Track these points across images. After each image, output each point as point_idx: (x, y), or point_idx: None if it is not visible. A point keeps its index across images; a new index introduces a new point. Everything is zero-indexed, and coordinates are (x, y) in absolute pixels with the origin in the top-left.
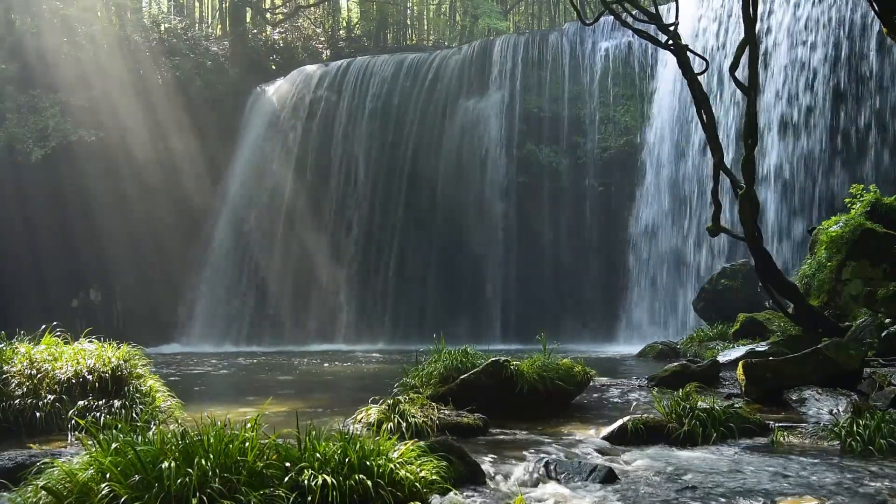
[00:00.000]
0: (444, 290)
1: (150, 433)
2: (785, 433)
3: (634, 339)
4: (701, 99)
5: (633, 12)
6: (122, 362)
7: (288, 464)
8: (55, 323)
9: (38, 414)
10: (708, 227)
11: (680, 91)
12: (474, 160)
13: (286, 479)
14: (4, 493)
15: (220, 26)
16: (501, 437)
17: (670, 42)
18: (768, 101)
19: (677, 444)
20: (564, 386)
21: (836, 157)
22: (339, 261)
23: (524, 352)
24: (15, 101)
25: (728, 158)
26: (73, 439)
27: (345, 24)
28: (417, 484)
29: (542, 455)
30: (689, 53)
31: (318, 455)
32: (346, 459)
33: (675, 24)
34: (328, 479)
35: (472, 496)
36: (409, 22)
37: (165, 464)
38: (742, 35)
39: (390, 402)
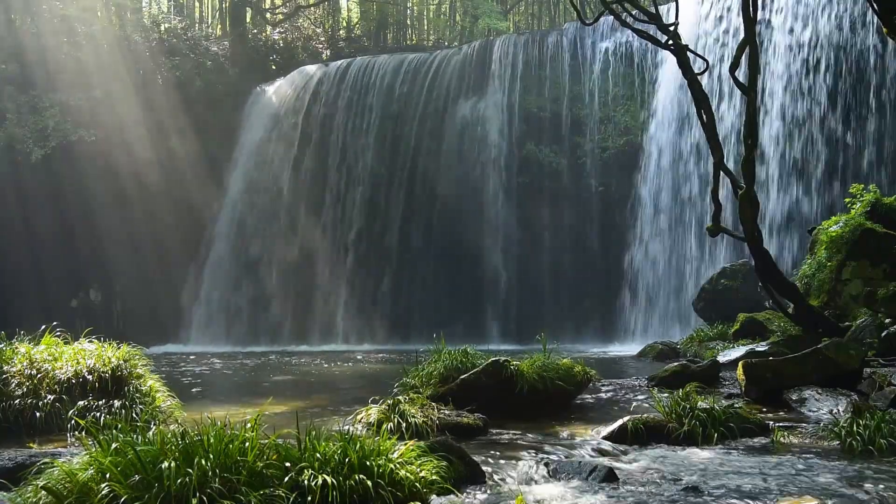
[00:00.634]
0: (444, 290)
1: (150, 433)
2: (785, 433)
3: (634, 340)
4: (701, 99)
5: (633, 12)
6: (122, 362)
7: (288, 464)
8: (55, 323)
9: (38, 414)
10: (708, 227)
11: (680, 91)
12: (474, 160)
13: (286, 479)
14: (4, 493)
15: (220, 26)
16: (501, 437)
17: (670, 42)
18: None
19: (677, 444)
20: (564, 386)
21: (836, 157)
22: (339, 261)
23: (524, 352)
24: (15, 101)
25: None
26: (73, 439)
27: (345, 24)
28: (417, 484)
29: (542, 455)
30: (689, 53)
31: (318, 455)
32: (346, 459)
33: (675, 24)
34: (328, 479)
35: (472, 496)
36: (409, 22)
37: (165, 464)
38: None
39: (390, 402)
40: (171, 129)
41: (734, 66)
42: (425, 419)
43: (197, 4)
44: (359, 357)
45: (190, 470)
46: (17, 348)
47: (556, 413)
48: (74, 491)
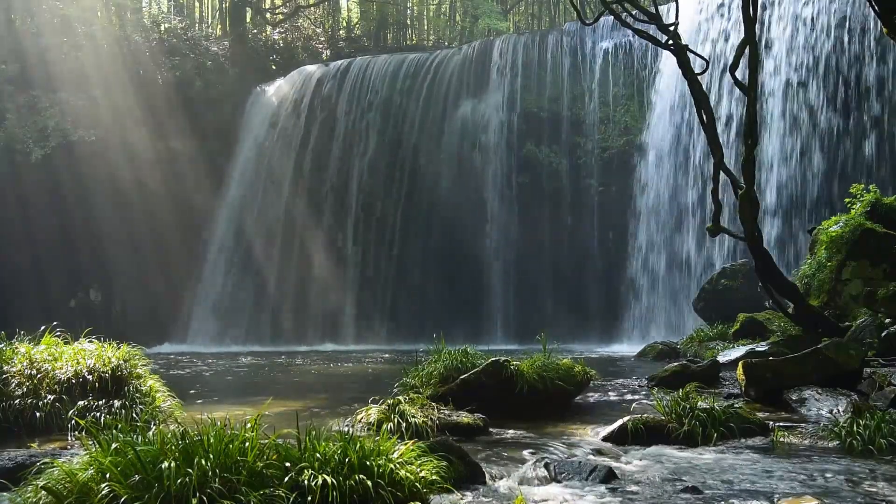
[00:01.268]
0: (444, 290)
1: (150, 433)
2: (785, 433)
3: (634, 339)
4: (701, 99)
5: (633, 12)
6: (121, 362)
7: (288, 464)
8: (55, 323)
9: (38, 414)
10: (708, 227)
11: (680, 91)
12: (474, 160)
13: (286, 479)
14: (4, 493)
15: (220, 26)
16: (501, 437)
17: (670, 42)
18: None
19: (677, 445)
20: (564, 386)
21: (836, 156)
22: (339, 261)
23: (524, 352)
24: (15, 101)
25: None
26: (73, 439)
27: (345, 24)
28: (417, 484)
29: (543, 455)
30: (689, 53)
31: (318, 455)
32: (346, 459)
33: (675, 24)
34: (328, 479)
35: (472, 496)
36: (409, 22)
37: (165, 464)
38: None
39: (390, 402)
40: (170, 129)
41: (734, 66)
42: (425, 419)
43: (197, 4)
44: (359, 357)
45: (190, 470)
46: (17, 348)
47: (556, 413)
48: (74, 491)
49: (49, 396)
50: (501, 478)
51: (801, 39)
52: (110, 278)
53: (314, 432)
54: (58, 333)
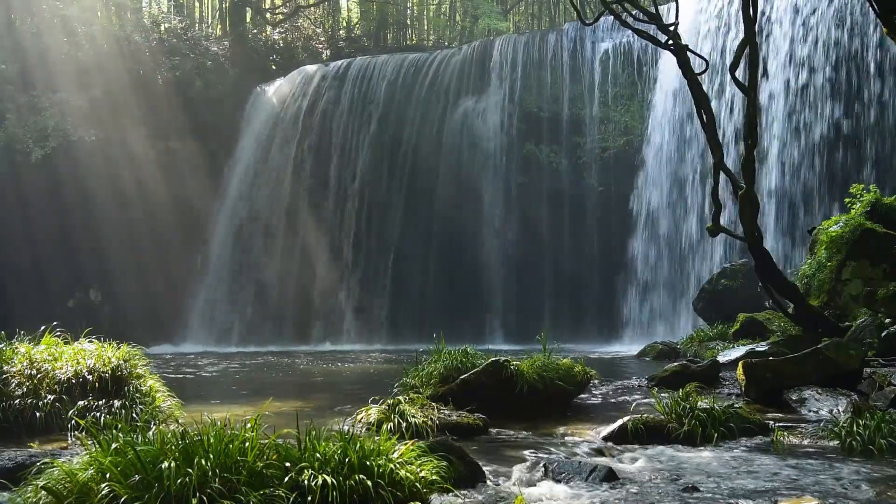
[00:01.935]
0: (444, 291)
1: (150, 433)
2: (785, 433)
3: (634, 340)
4: (701, 99)
5: (633, 12)
6: (122, 362)
7: (288, 464)
8: (55, 323)
9: (38, 414)
10: (708, 227)
11: (680, 91)
12: (474, 160)
13: (286, 479)
14: (4, 493)
15: (220, 26)
16: (501, 437)
17: (670, 42)
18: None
19: (678, 444)
20: (564, 386)
21: (836, 156)
22: (339, 261)
23: (524, 352)
24: (15, 101)
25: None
26: (73, 439)
27: (345, 24)
28: (417, 484)
29: (543, 455)
30: (689, 53)
31: (318, 455)
32: (346, 459)
33: (675, 24)
34: (328, 479)
35: (472, 496)
36: (409, 22)
37: (165, 464)
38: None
39: (390, 402)
40: (171, 129)
41: (734, 66)
42: (425, 419)
43: (197, 4)
44: (359, 357)
45: (190, 470)
46: (17, 348)
47: (556, 413)
48: (74, 491)
49: (49, 396)
50: (501, 478)
51: (800, 37)
52: (110, 278)
53: (314, 432)
54: (58, 333)
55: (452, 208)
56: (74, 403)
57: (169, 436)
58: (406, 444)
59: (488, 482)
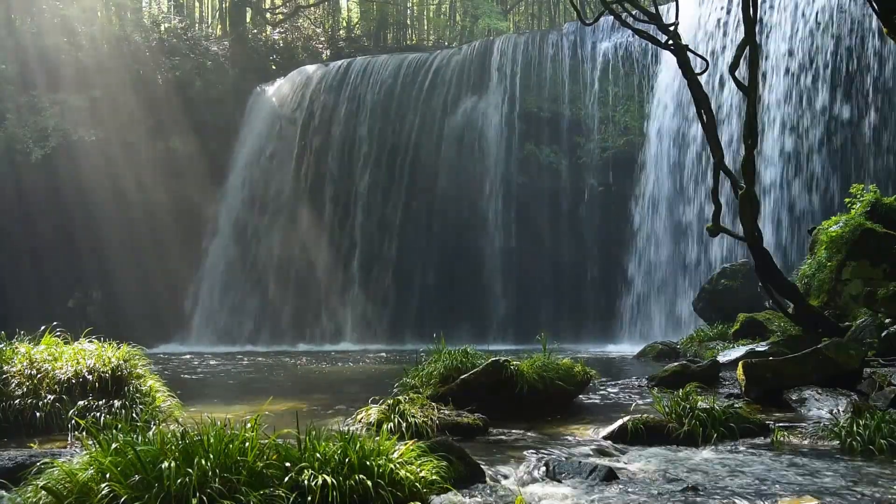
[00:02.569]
0: (444, 290)
1: (150, 433)
2: (785, 433)
3: (634, 339)
4: (701, 99)
5: (633, 12)
6: (122, 362)
7: (288, 464)
8: (55, 323)
9: (38, 414)
10: (708, 227)
11: (680, 91)
12: (474, 160)
13: (286, 479)
14: (4, 493)
15: (220, 26)
16: (501, 437)
17: (670, 42)
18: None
19: (678, 444)
20: (564, 386)
21: (836, 156)
22: (339, 261)
23: (524, 352)
24: (15, 101)
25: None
26: (73, 439)
27: (345, 24)
28: (417, 484)
29: (543, 455)
30: (689, 53)
31: (318, 455)
32: (347, 459)
33: (675, 24)
34: (328, 479)
35: (472, 496)
36: (409, 22)
37: (165, 464)
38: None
39: (390, 402)
40: (171, 129)
41: (734, 66)
42: (425, 419)
43: (197, 4)
44: (359, 357)
45: (190, 470)
46: (17, 348)
47: (556, 413)
48: (74, 491)
49: (49, 396)
50: (502, 478)
51: (799, 37)
52: (110, 278)
53: (314, 432)
54: (58, 333)
55: (452, 208)
56: (74, 403)
57: (169, 436)
58: (406, 444)
59: (488, 482)
